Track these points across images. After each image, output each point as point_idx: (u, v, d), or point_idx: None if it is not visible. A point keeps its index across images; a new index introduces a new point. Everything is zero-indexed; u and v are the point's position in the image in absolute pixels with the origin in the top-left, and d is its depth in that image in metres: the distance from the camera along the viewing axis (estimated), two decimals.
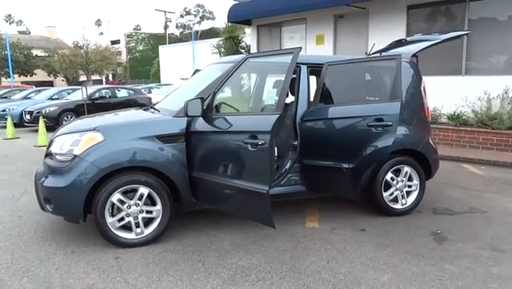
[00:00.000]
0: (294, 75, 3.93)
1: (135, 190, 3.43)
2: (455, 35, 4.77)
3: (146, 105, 15.99)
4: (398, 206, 4.28)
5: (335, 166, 3.63)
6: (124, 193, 3.42)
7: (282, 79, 3.08)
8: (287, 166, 3.92)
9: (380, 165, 4.12)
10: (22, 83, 32.01)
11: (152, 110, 4.15)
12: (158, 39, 51.27)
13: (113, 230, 3.42)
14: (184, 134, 3.51)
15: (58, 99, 15.64)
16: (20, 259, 3.30)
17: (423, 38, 4.93)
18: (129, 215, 3.44)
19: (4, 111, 14.34)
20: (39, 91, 19.07)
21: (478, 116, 7.99)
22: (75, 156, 3.35)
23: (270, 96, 4.52)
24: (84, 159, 3.32)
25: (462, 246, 3.55)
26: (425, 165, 4.36)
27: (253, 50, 12.46)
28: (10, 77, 31.10)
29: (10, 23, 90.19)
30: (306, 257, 3.31)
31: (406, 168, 4.25)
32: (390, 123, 3.33)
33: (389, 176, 4.18)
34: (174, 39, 55.52)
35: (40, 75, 38.70)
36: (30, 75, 35.74)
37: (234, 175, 3.25)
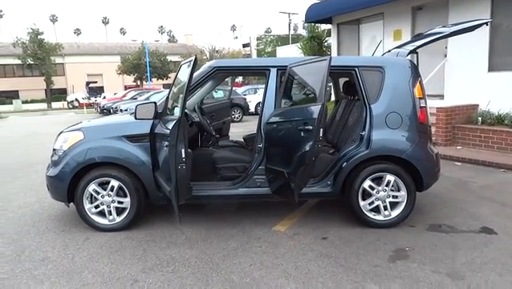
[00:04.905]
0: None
1: (109, 183, 3.95)
2: (470, 26, 4.10)
3: (240, 105, 17.03)
4: (380, 218, 3.93)
5: (279, 170, 3.58)
6: (101, 185, 3.97)
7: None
8: (252, 168, 3.97)
9: (357, 172, 3.88)
10: (164, 86, 36.76)
11: None
12: (285, 40, 52.59)
13: (90, 215, 4.00)
14: (147, 135, 3.89)
15: None
16: (23, 233, 4.09)
17: (439, 30, 4.38)
18: (103, 204, 3.98)
19: (126, 110, 17.04)
20: (160, 92, 21.90)
21: None
22: (64, 151, 4.03)
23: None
24: (68, 154, 3.97)
25: (416, 267, 3.14)
26: (416, 175, 3.91)
27: (334, 49, 12.15)
28: (148, 80, 36.07)
29: (161, 33, 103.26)
30: (236, 258, 3.37)
31: (389, 177, 3.87)
32: (311, 127, 3.14)
33: (367, 184, 3.88)
34: (301, 40, 56.31)
35: None
36: (166, 79, 40.79)
37: (161, 174, 3.52)
